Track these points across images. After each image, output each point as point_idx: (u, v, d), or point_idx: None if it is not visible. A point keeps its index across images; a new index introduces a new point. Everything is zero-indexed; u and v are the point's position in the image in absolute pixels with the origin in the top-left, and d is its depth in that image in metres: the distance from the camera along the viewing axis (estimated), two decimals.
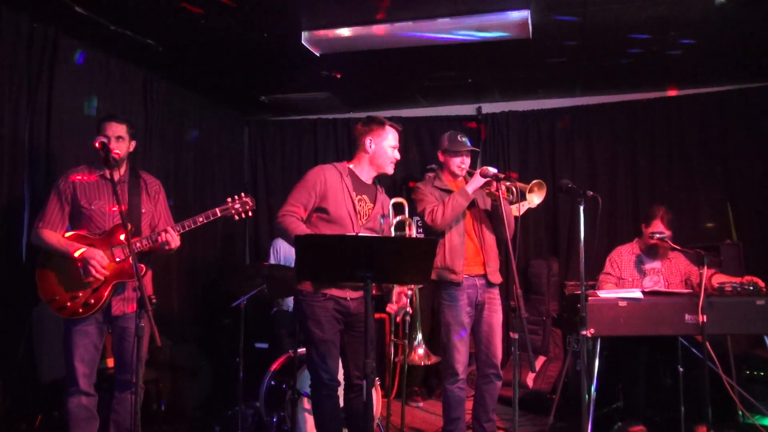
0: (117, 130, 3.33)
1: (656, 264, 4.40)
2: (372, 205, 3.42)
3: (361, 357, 3.25)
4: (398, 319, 3.82)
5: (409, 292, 3.58)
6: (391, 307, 3.52)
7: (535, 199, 3.63)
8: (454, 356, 3.71)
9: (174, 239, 3.26)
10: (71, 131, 4.11)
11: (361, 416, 3.18)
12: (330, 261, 2.72)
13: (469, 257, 3.76)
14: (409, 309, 3.61)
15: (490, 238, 3.84)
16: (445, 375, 3.78)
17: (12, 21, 3.70)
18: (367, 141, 3.38)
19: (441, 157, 3.94)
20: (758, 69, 5.11)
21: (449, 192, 3.77)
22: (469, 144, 3.88)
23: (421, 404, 5.31)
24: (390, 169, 3.44)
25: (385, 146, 3.39)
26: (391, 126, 3.42)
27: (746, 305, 3.72)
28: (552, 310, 5.54)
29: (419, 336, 4.02)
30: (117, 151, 3.24)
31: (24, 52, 3.80)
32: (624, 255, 4.46)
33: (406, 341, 4.06)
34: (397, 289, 3.51)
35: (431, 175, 4.02)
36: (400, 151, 3.48)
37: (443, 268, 3.72)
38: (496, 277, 3.84)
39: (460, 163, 3.85)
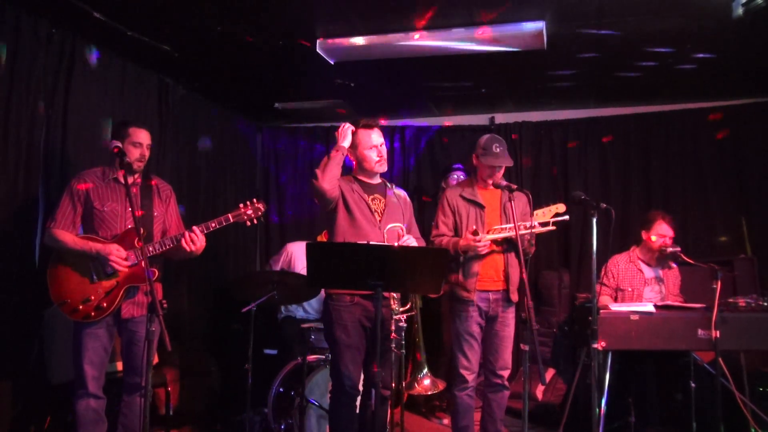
0: (147, 137, 3.38)
1: (658, 272, 4.35)
2: (384, 199, 3.45)
3: (385, 366, 3.27)
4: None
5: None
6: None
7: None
8: (463, 363, 3.70)
9: (199, 239, 3.27)
10: (87, 134, 4.14)
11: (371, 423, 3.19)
12: (341, 269, 2.72)
13: (491, 273, 3.68)
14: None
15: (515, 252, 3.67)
16: (454, 382, 3.76)
17: (30, 26, 3.74)
18: (350, 154, 3.44)
19: (474, 161, 3.80)
20: None
21: (477, 204, 3.72)
22: (504, 156, 3.68)
23: (445, 421, 5.01)
24: (378, 168, 3.42)
25: (364, 152, 3.40)
26: (363, 128, 3.41)
27: (760, 321, 3.68)
28: (563, 321, 5.49)
29: (425, 370, 3.91)
30: (141, 160, 3.32)
31: (42, 56, 3.83)
32: (621, 264, 4.36)
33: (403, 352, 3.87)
34: None
35: (459, 179, 3.93)
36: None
37: (456, 283, 3.69)
38: (515, 296, 3.75)
39: (489, 178, 3.75)
